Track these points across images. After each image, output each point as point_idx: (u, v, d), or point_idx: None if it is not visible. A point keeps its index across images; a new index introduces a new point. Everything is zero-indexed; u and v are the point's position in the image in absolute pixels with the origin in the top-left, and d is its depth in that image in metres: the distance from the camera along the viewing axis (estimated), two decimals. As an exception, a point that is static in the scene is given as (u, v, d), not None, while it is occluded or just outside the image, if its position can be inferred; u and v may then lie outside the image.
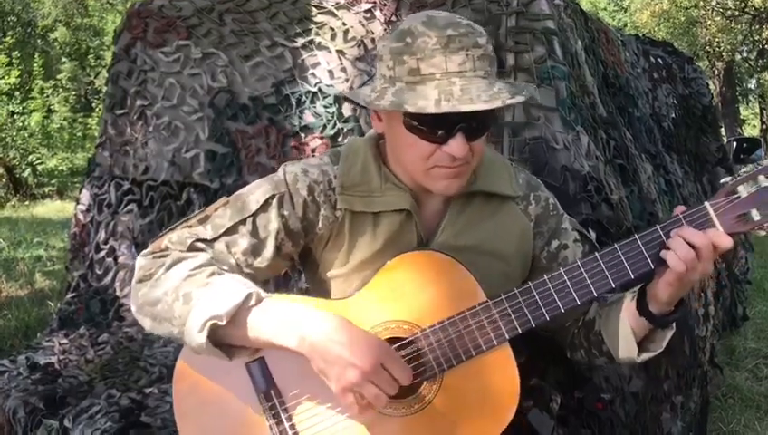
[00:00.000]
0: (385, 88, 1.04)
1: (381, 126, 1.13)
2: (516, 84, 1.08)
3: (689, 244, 1.01)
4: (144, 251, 1.14)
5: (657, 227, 1.05)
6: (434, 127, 1.02)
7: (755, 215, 1.02)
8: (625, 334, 1.13)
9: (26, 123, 11.42)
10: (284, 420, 1.08)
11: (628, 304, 1.13)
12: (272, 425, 1.08)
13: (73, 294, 2.52)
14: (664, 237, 1.04)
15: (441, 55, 0.99)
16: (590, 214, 1.72)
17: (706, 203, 1.04)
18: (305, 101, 2.16)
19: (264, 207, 1.13)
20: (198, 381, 1.12)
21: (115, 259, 2.49)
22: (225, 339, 1.04)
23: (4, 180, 11.53)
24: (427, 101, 0.98)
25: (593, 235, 1.66)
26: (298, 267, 1.28)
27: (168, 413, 1.70)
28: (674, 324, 1.13)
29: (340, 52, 2.11)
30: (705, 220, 1.03)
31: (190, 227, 1.13)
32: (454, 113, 0.98)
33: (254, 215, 1.13)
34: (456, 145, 1.03)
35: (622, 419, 1.60)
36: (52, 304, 3.93)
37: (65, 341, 2.28)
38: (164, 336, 1.09)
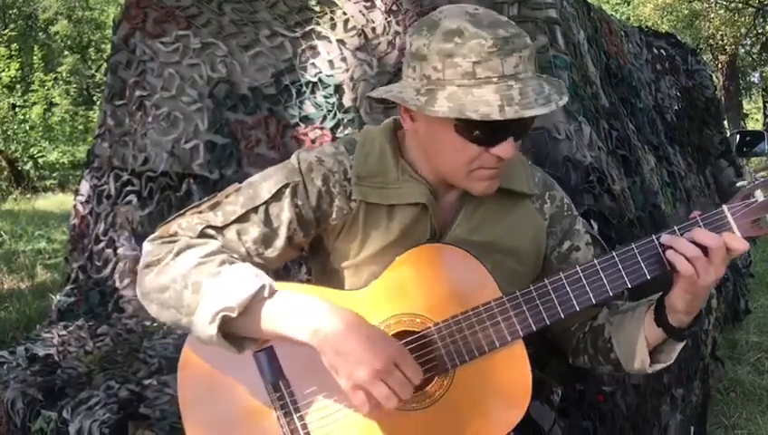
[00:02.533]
0: (432, 90, 0.99)
1: (413, 126, 1.09)
2: (550, 78, 1.05)
3: (701, 245, 1.00)
4: (152, 236, 1.10)
5: (675, 228, 1.04)
6: (489, 131, 1.00)
7: None
8: (640, 344, 1.10)
9: (27, 116, 11.42)
10: (293, 412, 1.06)
11: (645, 314, 1.11)
12: (279, 416, 1.06)
13: (73, 286, 2.52)
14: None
15: (498, 58, 0.96)
16: (592, 205, 1.71)
17: (724, 206, 1.04)
18: (305, 92, 2.14)
19: (277, 196, 1.10)
20: (205, 368, 1.10)
21: (114, 251, 2.48)
22: (234, 331, 1.01)
23: (5, 173, 11.54)
24: (490, 107, 0.95)
25: (595, 226, 1.65)
26: (305, 255, 1.26)
27: (167, 405, 1.69)
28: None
29: (340, 41, 2.09)
30: (722, 224, 1.03)
31: (200, 212, 1.10)
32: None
33: (267, 203, 1.10)
34: (508, 147, 1.02)
35: (623, 411, 1.59)
36: (53, 297, 3.92)
37: (64, 332, 2.27)
38: (168, 322, 1.07)
